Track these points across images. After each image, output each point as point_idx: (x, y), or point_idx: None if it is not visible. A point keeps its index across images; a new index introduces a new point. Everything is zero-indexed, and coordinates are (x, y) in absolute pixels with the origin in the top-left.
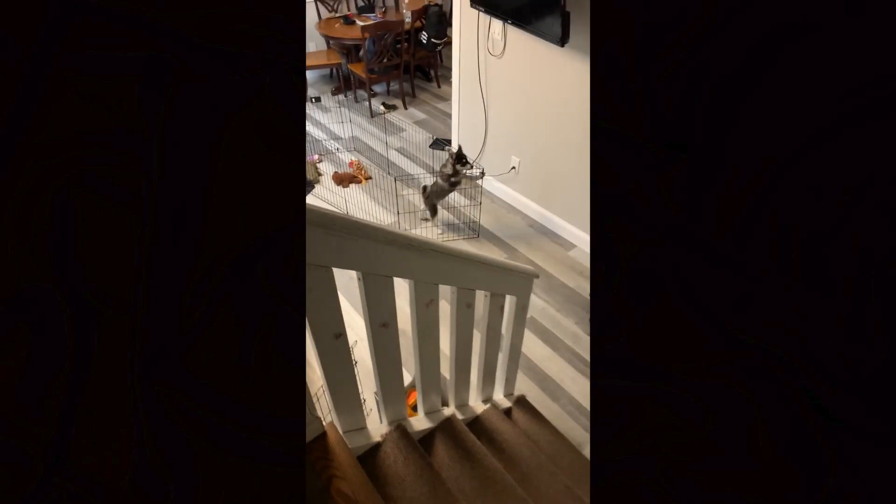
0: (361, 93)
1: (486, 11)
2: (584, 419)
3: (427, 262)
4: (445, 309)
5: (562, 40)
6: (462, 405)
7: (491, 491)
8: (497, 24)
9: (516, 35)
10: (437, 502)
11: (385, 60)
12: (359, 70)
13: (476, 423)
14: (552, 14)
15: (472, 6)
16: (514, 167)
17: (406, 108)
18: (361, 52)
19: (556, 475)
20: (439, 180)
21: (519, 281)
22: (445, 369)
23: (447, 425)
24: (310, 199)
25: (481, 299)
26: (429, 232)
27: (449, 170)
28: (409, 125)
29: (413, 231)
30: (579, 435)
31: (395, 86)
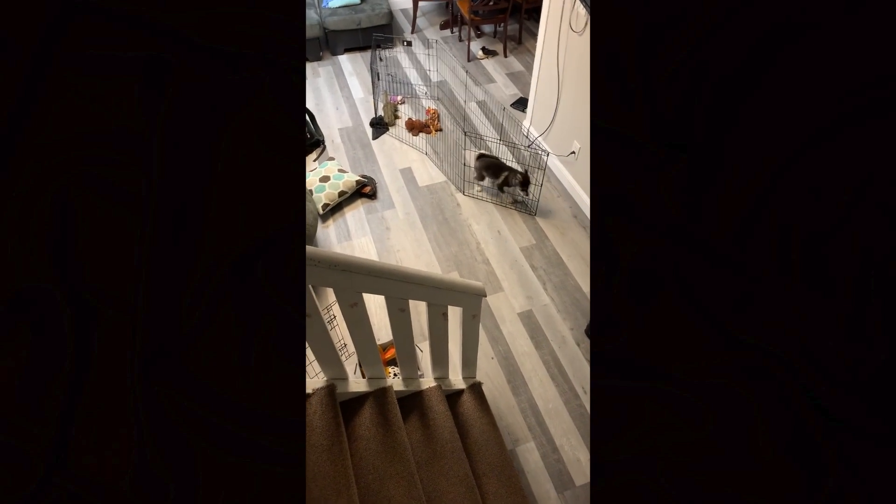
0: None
1: None
2: (533, 419)
3: (345, 278)
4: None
5: None
6: (410, 378)
7: (389, 459)
8: None
9: None
10: (328, 456)
11: (491, 3)
12: (464, 8)
13: (416, 397)
14: None
15: None
16: (574, 152)
17: (506, 56)
18: None
19: (464, 463)
20: (488, 175)
21: (464, 297)
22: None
23: (381, 393)
24: (381, 138)
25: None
26: (477, 198)
27: (512, 182)
28: (502, 76)
29: (458, 194)
30: (520, 432)
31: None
